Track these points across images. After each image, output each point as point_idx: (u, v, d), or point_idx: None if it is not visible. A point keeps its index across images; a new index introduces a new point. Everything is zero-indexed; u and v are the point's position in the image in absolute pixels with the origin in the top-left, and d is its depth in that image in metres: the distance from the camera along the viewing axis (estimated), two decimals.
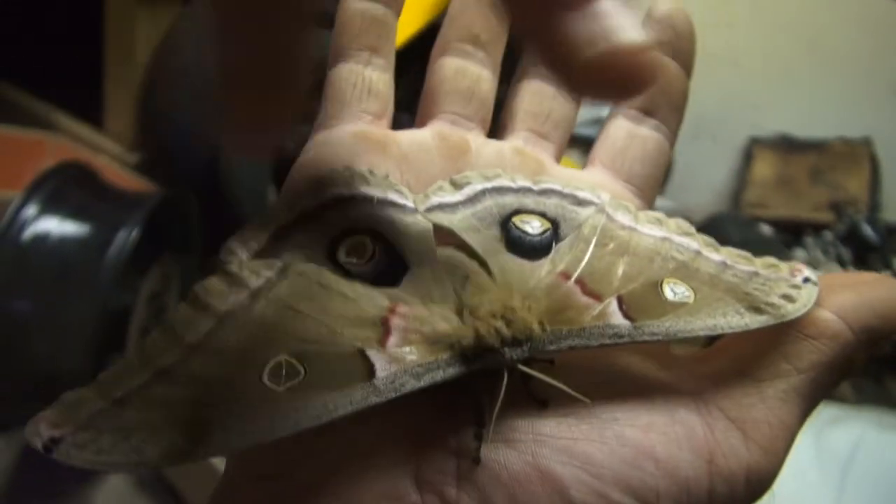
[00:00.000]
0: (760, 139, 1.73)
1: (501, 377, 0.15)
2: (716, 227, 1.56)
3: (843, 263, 1.36)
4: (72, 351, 0.81)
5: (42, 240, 0.81)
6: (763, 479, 0.15)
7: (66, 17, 1.27)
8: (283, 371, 0.14)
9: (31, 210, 0.83)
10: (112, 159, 1.26)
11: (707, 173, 1.96)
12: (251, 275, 0.16)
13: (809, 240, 1.42)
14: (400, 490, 0.14)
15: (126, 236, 0.82)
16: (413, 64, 1.18)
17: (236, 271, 0.16)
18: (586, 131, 1.33)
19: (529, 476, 0.14)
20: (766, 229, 1.53)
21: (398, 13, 0.22)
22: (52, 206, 0.83)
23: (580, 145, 1.57)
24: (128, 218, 0.84)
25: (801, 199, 1.59)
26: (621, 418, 0.15)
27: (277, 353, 0.15)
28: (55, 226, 0.82)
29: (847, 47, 1.71)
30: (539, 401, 0.15)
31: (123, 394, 0.14)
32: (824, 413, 0.86)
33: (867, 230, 1.35)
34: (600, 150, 0.23)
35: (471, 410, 0.15)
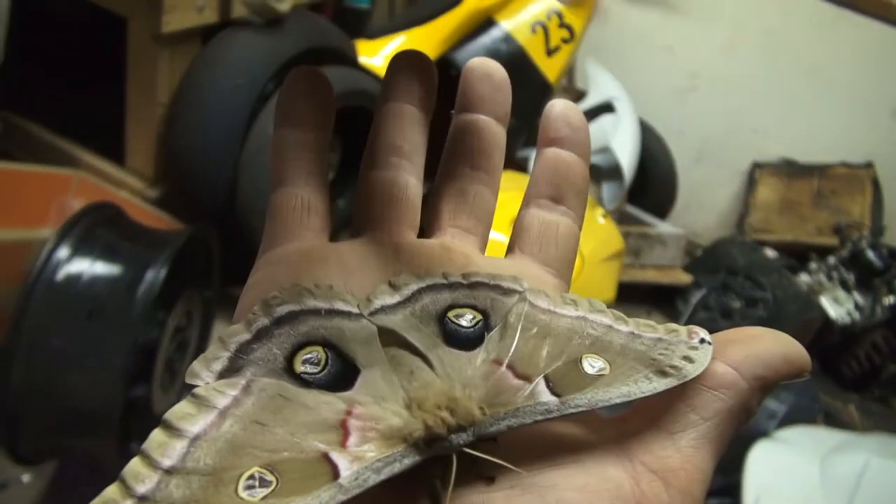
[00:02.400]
0: (763, 164, 1.76)
1: (451, 461, 0.17)
2: (721, 252, 1.59)
3: (847, 287, 1.38)
4: (103, 385, 0.84)
5: (75, 280, 0.85)
6: None
7: (90, 57, 1.31)
8: (257, 483, 0.16)
9: (63, 251, 0.86)
10: (133, 194, 1.29)
11: (711, 197, 1.98)
12: (217, 395, 0.17)
13: (814, 264, 1.44)
14: None
15: (155, 275, 0.85)
16: None
17: (203, 394, 0.17)
18: (593, 160, 1.34)
19: None
20: (770, 253, 1.55)
21: (329, 137, 0.25)
22: (83, 247, 0.87)
23: None
24: (156, 257, 0.88)
25: (805, 222, 1.61)
26: (560, 483, 0.17)
27: (249, 466, 0.16)
28: (87, 266, 0.86)
29: (847, 73, 1.74)
30: (487, 478, 0.17)
31: None
32: (830, 439, 0.88)
33: (871, 255, 1.37)
34: (517, 238, 0.24)
35: (427, 495, 0.17)
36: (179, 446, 0.16)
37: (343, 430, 0.17)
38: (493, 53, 1.48)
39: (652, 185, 1.68)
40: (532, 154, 1.49)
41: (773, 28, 1.79)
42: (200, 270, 1.05)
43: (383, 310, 0.21)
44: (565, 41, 1.47)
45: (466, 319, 0.21)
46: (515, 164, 1.48)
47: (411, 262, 0.23)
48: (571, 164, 0.25)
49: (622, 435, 0.18)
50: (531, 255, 0.24)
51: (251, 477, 0.16)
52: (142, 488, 0.15)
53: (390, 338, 0.20)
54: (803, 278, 1.43)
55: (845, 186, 1.63)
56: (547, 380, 0.18)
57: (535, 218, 0.24)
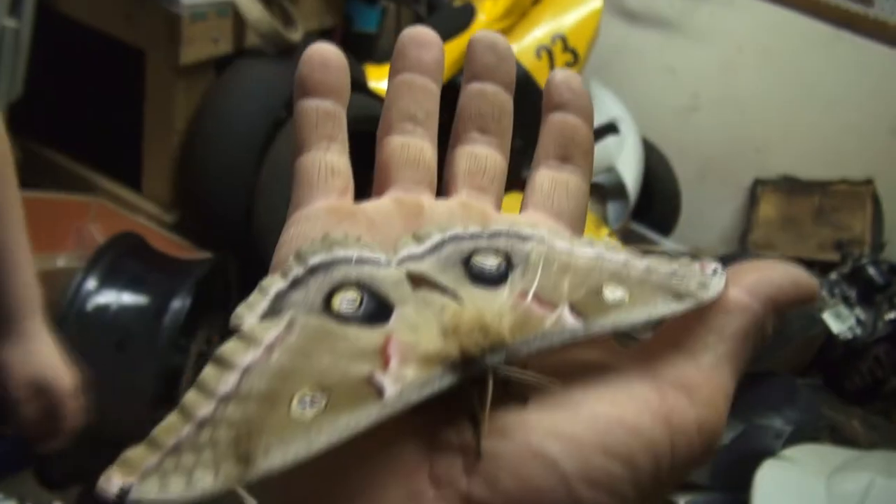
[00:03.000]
0: (765, 181, 1.78)
1: (487, 381, 0.18)
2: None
3: (849, 303, 1.41)
4: (131, 410, 0.87)
5: (103, 311, 0.88)
6: (712, 430, 0.18)
7: (107, 86, 1.34)
8: (308, 402, 0.17)
9: (92, 282, 0.89)
10: (150, 219, 1.32)
11: (714, 214, 2.00)
12: (263, 332, 0.19)
13: None
14: (419, 488, 0.17)
15: (180, 305, 0.88)
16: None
17: (250, 332, 0.19)
18: (598, 179, 1.38)
19: (525, 458, 0.17)
20: None
21: (345, 106, 0.26)
22: (110, 278, 0.90)
23: (591, 192, 1.62)
24: (180, 286, 0.91)
25: (806, 239, 1.64)
26: (591, 399, 0.18)
27: (299, 389, 0.17)
28: (114, 297, 0.89)
29: (846, 91, 1.77)
30: (521, 399, 0.18)
31: (175, 443, 0.16)
32: (836, 458, 0.90)
33: (872, 271, 1.40)
34: (530, 196, 0.25)
35: (467, 415, 0.18)
36: (233, 377, 0.17)
37: (383, 356, 0.18)
38: None
39: (656, 202, 1.71)
40: None
41: (772, 48, 1.83)
42: (220, 296, 1.08)
43: (409, 258, 0.22)
44: (569, 64, 1.50)
45: (490, 262, 0.22)
46: (522, 184, 1.51)
47: (432, 218, 0.24)
48: (576, 126, 0.26)
49: (646, 358, 0.19)
50: (544, 211, 0.25)
51: (303, 397, 0.17)
52: (201, 413, 0.17)
53: (419, 282, 0.21)
54: None
55: (846, 203, 1.66)
56: (571, 307, 0.19)
57: (545, 176, 0.26)
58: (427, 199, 0.25)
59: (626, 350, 0.19)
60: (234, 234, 1.27)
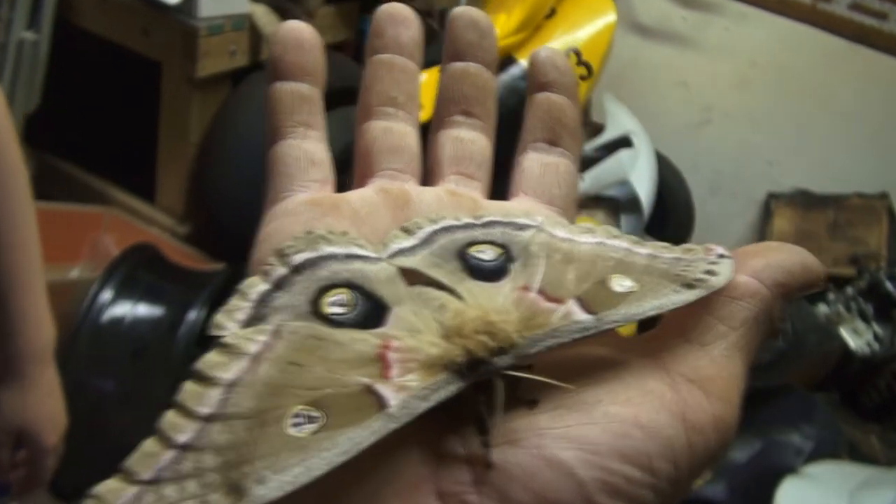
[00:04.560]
0: (779, 195, 1.77)
1: (495, 385, 0.16)
2: None
3: (865, 318, 1.39)
4: (147, 422, 0.86)
5: (118, 322, 0.87)
6: (728, 425, 0.17)
7: (124, 98, 1.35)
8: (304, 420, 0.15)
9: (107, 294, 0.89)
10: (163, 231, 1.32)
11: (727, 228, 1.98)
12: (247, 342, 0.17)
13: (832, 295, 1.45)
14: None
15: (195, 316, 0.88)
16: None
17: (232, 342, 0.17)
18: (611, 192, 1.37)
19: (539, 467, 0.16)
20: None
21: (323, 89, 0.24)
22: (125, 290, 0.90)
23: (605, 205, 1.61)
24: (195, 298, 0.91)
25: (822, 253, 1.63)
26: (604, 399, 0.17)
27: (293, 405, 0.15)
28: (129, 308, 0.89)
29: (860, 105, 1.76)
30: (529, 402, 0.17)
31: (154, 474, 0.14)
32: (857, 475, 0.89)
33: (889, 286, 1.38)
34: (520, 181, 0.24)
35: (474, 422, 0.17)
36: (216, 393, 0.16)
37: (383, 362, 0.17)
38: (513, 90, 1.51)
39: (669, 216, 1.70)
40: None
41: (785, 62, 1.82)
42: None
43: (400, 252, 0.21)
44: (583, 78, 1.50)
45: (487, 254, 0.20)
46: None
47: (420, 208, 0.22)
48: (563, 106, 0.25)
49: (656, 352, 0.18)
50: (535, 196, 0.24)
51: (297, 415, 0.15)
52: (182, 437, 0.15)
53: (413, 278, 0.20)
54: (822, 309, 1.44)
55: (861, 217, 1.64)
56: (579, 300, 0.18)
57: (534, 161, 0.24)
58: (413, 188, 0.24)
59: (634, 343, 0.19)
60: (247, 245, 1.27)
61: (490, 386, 0.17)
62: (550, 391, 0.17)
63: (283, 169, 0.23)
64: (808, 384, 1.26)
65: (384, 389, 0.16)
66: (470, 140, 0.25)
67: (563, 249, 0.20)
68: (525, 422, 0.16)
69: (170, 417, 0.15)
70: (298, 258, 0.20)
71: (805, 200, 1.74)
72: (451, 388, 0.16)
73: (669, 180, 1.72)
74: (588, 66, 1.50)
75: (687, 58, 1.85)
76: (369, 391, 0.16)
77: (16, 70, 1.16)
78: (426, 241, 0.21)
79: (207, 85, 1.26)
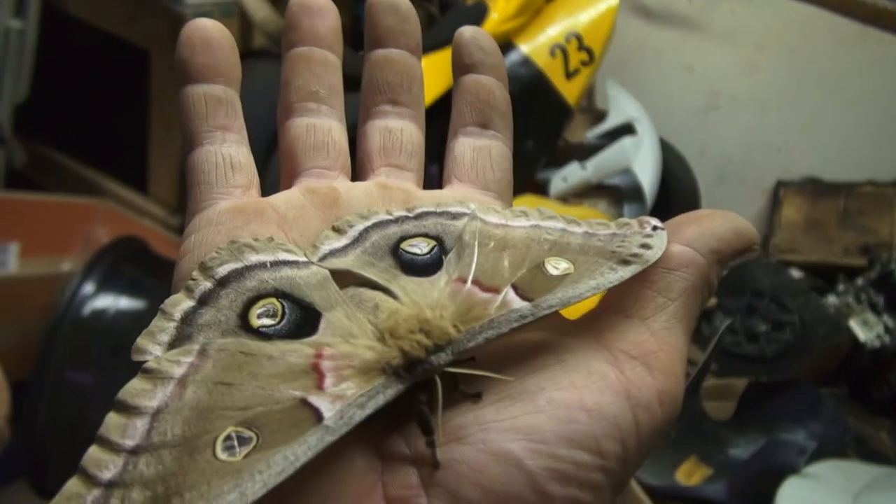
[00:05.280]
0: (788, 182, 1.73)
1: (435, 384, 0.16)
2: (745, 273, 1.57)
3: (876, 310, 1.35)
4: None
5: (100, 315, 0.86)
6: (673, 399, 0.17)
7: (114, 87, 1.33)
8: (235, 442, 0.15)
9: (88, 287, 0.87)
10: (156, 222, 1.31)
11: None
12: (171, 365, 0.16)
13: (841, 286, 1.41)
14: None
15: None
16: (439, 119, 1.20)
17: (156, 367, 0.16)
18: (614, 181, 1.34)
19: (486, 462, 0.15)
20: (795, 274, 1.53)
21: (238, 90, 0.24)
22: (108, 282, 0.88)
23: (608, 194, 1.58)
24: None
25: (831, 242, 1.59)
26: (547, 386, 0.16)
27: (223, 428, 0.15)
28: (112, 302, 0.87)
29: (872, 90, 1.71)
30: (473, 396, 0.17)
31: None
32: (863, 475, 0.86)
33: None
34: (453, 168, 0.24)
35: (417, 423, 0.16)
36: (140, 423, 0.15)
37: (316, 373, 0.16)
38: (512, 77, 1.47)
39: (674, 204, 1.67)
40: (552, 176, 1.49)
41: (795, 46, 1.78)
42: None
43: (332, 254, 0.20)
44: (585, 63, 1.46)
45: (420, 247, 0.20)
46: (535, 185, 1.48)
47: (350, 205, 0.22)
48: (492, 87, 0.24)
49: (597, 331, 0.18)
50: (470, 182, 0.23)
51: (228, 438, 0.15)
52: (107, 474, 0.14)
53: (346, 278, 0.19)
54: (831, 300, 1.40)
55: (872, 205, 1.60)
56: (515, 288, 0.18)
57: (466, 146, 0.24)
58: (342, 184, 0.23)
59: (574, 324, 0.18)
60: None
61: (431, 384, 0.16)
62: (494, 383, 0.16)
63: (202, 177, 0.22)
64: (816, 378, 1.23)
65: (319, 401, 0.15)
66: (399, 129, 0.24)
67: (496, 236, 0.20)
68: (470, 416, 0.16)
69: (93, 453, 0.15)
70: (223, 270, 0.19)
71: (815, 188, 1.70)
72: (389, 393, 0.16)
73: (675, 168, 1.69)
74: (589, 51, 1.47)
75: (692, 41, 1.81)
76: (304, 404, 0.15)
77: (3, 59, 1.14)
78: (358, 239, 0.20)
79: None
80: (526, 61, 1.46)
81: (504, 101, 0.24)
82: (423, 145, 0.24)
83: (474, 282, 0.18)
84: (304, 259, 0.20)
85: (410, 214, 0.21)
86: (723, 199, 1.83)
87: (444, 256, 0.20)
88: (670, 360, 0.17)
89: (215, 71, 0.23)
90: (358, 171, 0.24)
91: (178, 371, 0.16)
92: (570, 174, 1.43)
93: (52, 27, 1.16)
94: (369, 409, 0.15)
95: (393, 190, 0.23)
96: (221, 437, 0.15)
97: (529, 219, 0.21)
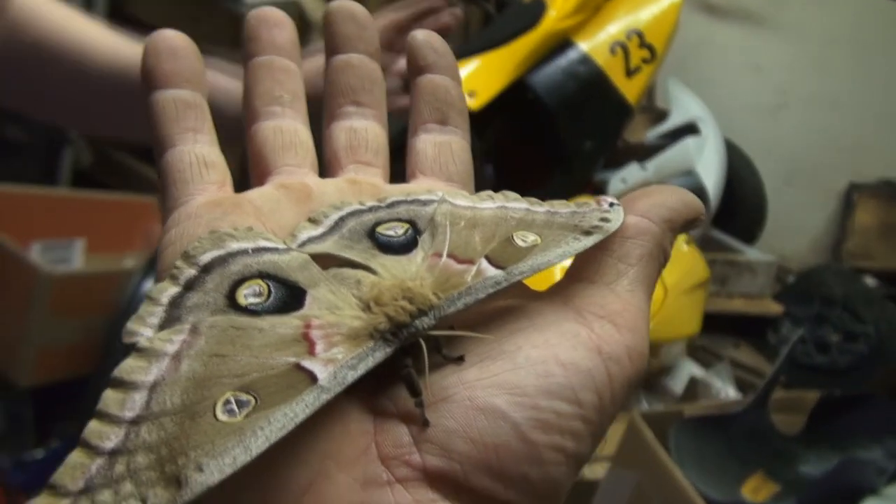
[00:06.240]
0: (861, 185, 1.66)
1: (420, 347, 0.17)
2: (815, 280, 1.50)
3: None
4: None
5: None
6: (640, 353, 0.19)
7: None
8: (234, 405, 0.15)
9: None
10: None
11: (804, 222, 1.87)
12: (164, 343, 0.17)
13: None
14: (371, 472, 0.16)
15: None
16: (495, 118, 1.19)
17: (149, 345, 0.17)
18: (675, 183, 1.29)
19: (473, 416, 0.17)
20: (870, 282, 1.45)
21: (205, 95, 0.24)
22: None
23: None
24: None
25: None
26: (524, 345, 0.18)
27: (222, 394, 0.16)
28: None
29: None
30: (456, 359, 0.18)
31: (85, 484, 0.14)
32: None
33: None
34: (417, 163, 0.25)
35: (406, 386, 0.17)
36: (139, 396, 0.16)
37: (307, 341, 0.17)
38: (571, 75, 1.45)
39: (739, 208, 1.61)
40: (611, 177, 1.45)
41: (868, 41, 1.70)
42: None
43: (310, 241, 0.21)
44: (646, 61, 1.42)
45: (396, 230, 0.21)
46: (594, 187, 1.44)
47: (323, 199, 0.23)
48: (448, 86, 0.25)
49: (565, 296, 0.19)
50: (434, 176, 0.25)
51: (227, 402, 0.15)
52: (109, 443, 0.15)
53: (326, 263, 0.20)
54: None
55: None
56: (488, 258, 0.19)
57: (427, 142, 0.25)
58: (313, 181, 0.24)
59: (544, 293, 0.20)
60: None
61: (416, 348, 0.17)
62: (474, 346, 0.18)
63: (178, 175, 0.22)
64: (893, 393, 1.16)
65: (312, 365, 0.16)
66: (363, 129, 0.25)
67: (466, 216, 0.21)
68: (454, 378, 0.17)
69: (93, 426, 0.15)
70: (206, 257, 0.19)
71: (891, 191, 1.62)
72: (377, 355, 0.17)
73: (740, 170, 1.63)
74: (651, 49, 1.42)
75: (760, 37, 1.75)
76: (298, 368, 0.16)
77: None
78: (334, 227, 0.21)
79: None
80: (585, 59, 1.43)
81: (459, 99, 0.26)
82: (387, 144, 0.26)
83: (449, 255, 0.20)
84: (284, 246, 0.21)
85: (382, 204, 0.22)
86: (791, 202, 1.76)
87: (418, 237, 0.21)
88: (635, 318, 0.19)
89: (182, 77, 0.24)
90: (326, 171, 0.25)
91: (171, 348, 0.17)
92: (630, 175, 1.39)
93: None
94: (361, 370, 0.17)
95: (362, 185, 0.24)
96: (221, 402, 0.15)
97: (496, 201, 0.22)
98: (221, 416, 0.15)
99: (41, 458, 0.97)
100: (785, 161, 1.76)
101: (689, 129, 1.47)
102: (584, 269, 0.20)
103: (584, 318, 0.19)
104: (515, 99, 1.65)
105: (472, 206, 0.22)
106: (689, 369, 1.32)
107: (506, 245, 0.20)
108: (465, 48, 1.63)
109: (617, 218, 0.20)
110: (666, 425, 0.91)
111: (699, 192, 1.47)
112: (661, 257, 0.20)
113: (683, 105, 1.50)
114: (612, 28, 1.44)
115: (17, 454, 0.97)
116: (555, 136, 1.38)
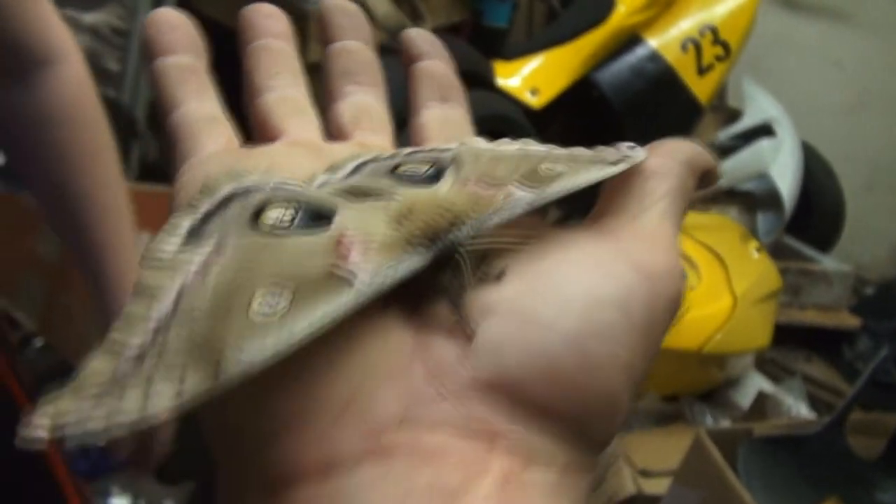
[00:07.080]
0: None
1: (458, 262, 0.17)
2: (893, 293, 1.42)
3: None
4: None
5: None
6: (679, 272, 0.19)
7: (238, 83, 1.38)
8: (270, 300, 0.15)
9: None
10: None
11: (883, 228, 1.79)
12: (188, 258, 0.16)
13: None
14: (416, 390, 0.16)
15: None
16: (558, 116, 1.15)
17: (170, 261, 0.17)
18: (747, 186, 1.24)
19: (523, 328, 0.16)
20: None
21: (205, 62, 0.26)
22: None
23: (739, 201, 1.47)
24: None
25: None
26: (563, 263, 0.18)
27: (256, 295, 0.15)
28: None
29: None
30: (498, 274, 0.17)
31: (111, 377, 0.14)
32: None
33: None
34: (424, 136, 0.25)
35: (447, 301, 0.17)
36: (166, 300, 0.15)
37: (340, 250, 0.17)
38: (639, 73, 1.41)
39: (815, 214, 1.54)
40: None
41: None
42: None
43: (330, 183, 0.21)
44: (719, 59, 1.37)
45: (419, 168, 0.21)
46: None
47: (334, 156, 0.22)
48: (445, 70, 0.26)
49: (596, 226, 0.20)
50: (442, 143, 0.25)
51: (263, 297, 0.15)
52: (136, 339, 0.15)
53: (350, 197, 0.20)
54: None
55: None
56: (517, 183, 0.19)
57: (430, 115, 0.25)
58: (322, 142, 0.24)
59: (572, 227, 0.20)
60: None
61: (454, 264, 0.17)
62: (514, 264, 0.18)
63: (187, 130, 0.23)
64: None
65: (347, 271, 0.16)
66: (367, 103, 0.25)
67: (489, 153, 0.21)
68: (496, 294, 0.17)
69: (114, 334, 0.15)
70: (226, 190, 0.19)
71: None
72: (415, 260, 0.17)
73: (817, 174, 1.56)
74: (725, 46, 1.37)
75: (841, 34, 1.67)
76: (333, 274, 0.16)
77: (140, 57, 1.20)
78: (353, 172, 0.21)
79: (319, 70, 1.25)
80: (654, 56, 1.38)
81: (458, 84, 0.26)
82: (389, 121, 0.26)
83: (477, 182, 0.20)
84: (304, 185, 0.20)
85: (402, 152, 0.22)
86: (871, 207, 1.68)
87: (442, 172, 0.21)
88: (667, 243, 0.20)
89: (180, 45, 0.24)
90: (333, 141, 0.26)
91: (197, 259, 0.16)
92: None
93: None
94: (400, 274, 0.16)
95: (373, 147, 0.24)
96: (256, 301, 0.15)
97: (516, 144, 0.22)
98: (257, 315, 0.15)
99: (103, 445, 0.99)
100: (865, 164, 1.69)
101: (764, 130, 1.41)
102: (612, 204, 0.21)
103: (620, 241, 0.19)
104: (580, 97, 1.62)
105: (493, 148, 0.22)
106: (758, 383, 1.27)
107: (534, 173, 0.20)
108: (528, 45, 1.60)
109: (641, 153, 0.20)
110: (733, 443, 0.87)
111: (773, 197, 1.40)
112: (685, 196, 0.21)
113: (758, 105, 1.44)
114: (685, 24, 1.38)
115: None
116: (620, 136, 1.34)
